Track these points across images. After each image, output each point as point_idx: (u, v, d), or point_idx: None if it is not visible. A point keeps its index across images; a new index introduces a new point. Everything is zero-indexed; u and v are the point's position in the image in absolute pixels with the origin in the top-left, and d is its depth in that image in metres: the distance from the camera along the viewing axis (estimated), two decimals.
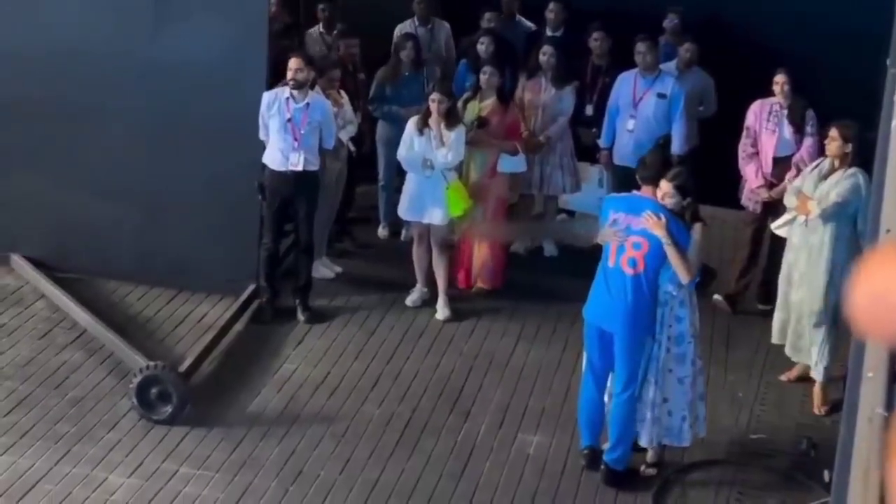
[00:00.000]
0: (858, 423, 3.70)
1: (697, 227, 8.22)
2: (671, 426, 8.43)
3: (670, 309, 8.22)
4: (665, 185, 8.14)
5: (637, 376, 8.26)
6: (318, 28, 12.35)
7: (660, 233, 7.99)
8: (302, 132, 10.12)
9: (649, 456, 8.61)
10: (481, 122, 10.99)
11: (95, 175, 10.67)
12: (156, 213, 10.69)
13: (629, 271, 8.11)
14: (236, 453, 8.60)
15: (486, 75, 11.14)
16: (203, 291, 10.70)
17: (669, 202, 8.11)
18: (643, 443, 8.50)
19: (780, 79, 10.42)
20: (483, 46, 11.92)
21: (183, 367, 9.19)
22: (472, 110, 11.07)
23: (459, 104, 10.86)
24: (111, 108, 10.57)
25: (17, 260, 10.94)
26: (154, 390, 8.88)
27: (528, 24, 13.18)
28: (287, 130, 10.11)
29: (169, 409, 8.88)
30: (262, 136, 10.21)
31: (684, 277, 8.07)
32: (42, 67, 10.63)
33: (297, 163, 10.15)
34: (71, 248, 10.88)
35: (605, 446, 8.51)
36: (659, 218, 8.01)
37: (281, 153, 10.16)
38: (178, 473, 8.33)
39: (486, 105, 11.13)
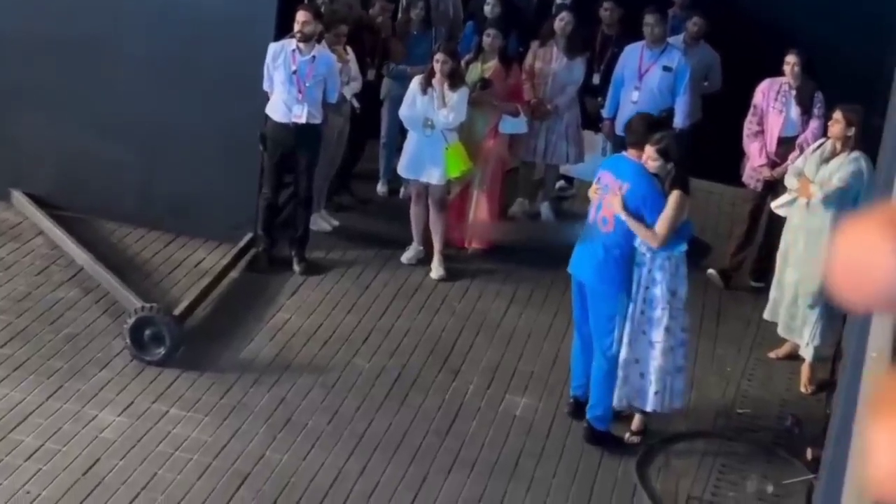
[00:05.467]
0: (860, 402, 3.73)
1: (674, 194, 8.13)
2: (641, 388, 8.43)
3: (648, 271, 8.24)
4: (649, 150, 8.16)
5: (611, 334, 8.32)
6: None
7: (616, 209, 8.12)
8: (307, 85, 10.14)
9: (634, 424, 8.68)
10: (484, 84, 11.03)
11: (100, 115, 10.69)
12: (158, 156, 10.72)
13: (602, 228, 8.25)
14: (226, 398, 8.66)
15: (490, 38, 11.17)
16: (201, 237, 10.74)
17: (652, 165, 8.15)
18: (613, 403, 8.54)
19: (791, 59, 10.43)
20: (489, 8, 11.94)
21: (177, 311, 9.24)
22: (475, 72, 11.10)
23: (462, 65, 10.88)
24: (120, 48, 10.58)
25: (17, 196, 10.97)
26: (148, 332, 8.92)
27: None
28: (292, 83, 10.13)
29: (162, 350, 8.92)
30: (265, 86, 10.22)
31: (652, 244, 8.13)
32: (52, 4, 10.64)
33: (300, 115, 10.17)
34: (72, 186, 10.91)
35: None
36: (616, 193, 8.13)
37: (285, 105, 10.18)
38: (167, 414, 8.39)
39: (488, 67, 11.16)
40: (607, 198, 8.21)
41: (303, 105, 10.16)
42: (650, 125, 8.55)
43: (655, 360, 8.35)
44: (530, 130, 11.59)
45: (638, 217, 8.09)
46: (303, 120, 10.19)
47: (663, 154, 8.12)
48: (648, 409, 8.50)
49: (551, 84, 11.68)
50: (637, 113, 9.06)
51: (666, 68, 11.32)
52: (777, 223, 9.99)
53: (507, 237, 11.30)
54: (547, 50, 11.70)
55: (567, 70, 11.66)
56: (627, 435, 8.67)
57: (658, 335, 8.31)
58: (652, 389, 8.42)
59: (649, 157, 8.14)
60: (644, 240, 8.12)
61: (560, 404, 8.96)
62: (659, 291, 8.28)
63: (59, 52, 10.66)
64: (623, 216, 8.08)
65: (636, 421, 8.68)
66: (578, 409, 8.74)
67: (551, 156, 11.91)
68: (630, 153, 8.38)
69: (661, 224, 8.09)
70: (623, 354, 8.37)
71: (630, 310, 8.29)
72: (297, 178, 10.51)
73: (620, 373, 8.42)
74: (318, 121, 10.32)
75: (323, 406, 8.71)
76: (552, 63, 11.67)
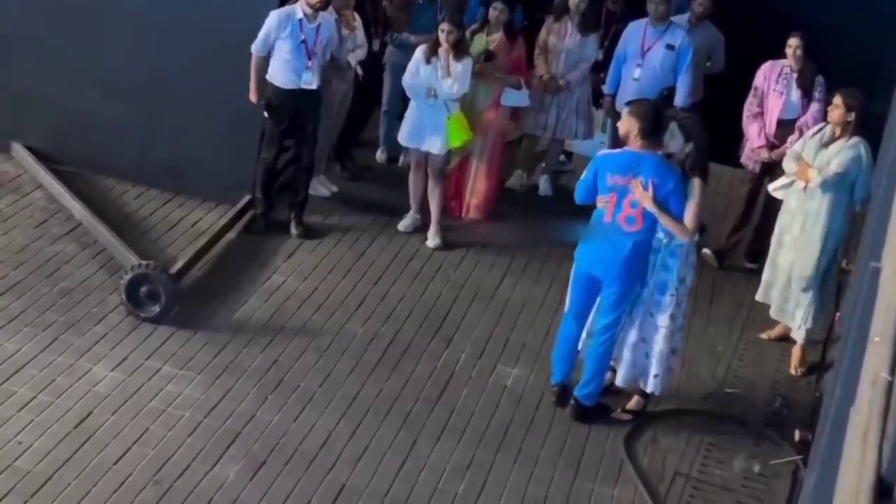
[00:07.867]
0: (861, 385, 3.75)
1: (696, 183, 8.15)
2: (644, 369, 8.55)
3: (662, 257, 8.31)
4: (673, 126, 8.20)
5: (618, 325, 8.37)
6: None
7: (647, 204, 8.04)
8: (315, 52, 10.18)
9: (630, 404, 8.70)
10: (488, 56, 11.04)
11: (103, 72, 10.69)
12: (159, 115, 10.72)
13: (627, 228, 8.17)
14: (219, 357, 8.70)
15: (496, 10, 11.17)
16: (199, 197, 10.76)
17: (672, 143, 8.15)
18: (619, 382, 8.64)
19: (793, 42, 10.43)
20: None
21: (174, 269, 9.27)
22: (479, 43, 11.11)
23: (466, 35, 10.89)
24: (123, 6, 10.59)
25: (17, 148, 10.99)
26: (144, 289, 8.95)
27: None
28: (301, 52, 10.14)
29: (157, 308, 8.96)
30: (259, 49, 10.12)
31: (682, 238, 8.15)
32: None
33: (310, 82, 10.20)
34: (72, 141, 10.91)
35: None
36: (646, 188, 8.05)
37: (294, 72, 10.17)
38: (160, 371, 8.42)
39: (492, 39, 11.17)
40: (629, 198, 8.10)
41: (313, 72, 10.18)
42: (660, 114, 8.43)
43: (658, 344, 8.42)
44: (540, 105, 11.62)
45: (665, 210, 8.08)
46: (313, 86, 10.22)
47: (684, 130, 8.13)
48: (649, 390, 8.56)
49: (564, 60, 11.67)
50: (641, 101, 8.64)
51: (669, 46, 11.33)
52: (773, 205, 10.01)
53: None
54: (561, 25, 11.68)
55: (580, 46, 11.64)
56: (619, 410, 8.70)
57: (664, 320, 8.38)
58: (652, 371, 8.49)
59: (672, 131, 8.15)
60: (675, 233, 8.11)
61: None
62: (670, 278, 8.32)
63: (62, 7, 10.66)
64: (656, 212, 8.03)
65: (633, 402, 8.71)
66: (564, 394, 8.72)
67: (560, 130, 11.91)
68: (637, 145, 8.16)
69: (691, 218, 8.09)
70: (632, 337, 8.44)
71: (644, 294, 8.34)
72: (301, 142, 10.53)
73: (628, 355, 8.48)
74: (319, 85, 10.35)
75: (315, 369, 8.75)
76: (566, 39, 11.65)
